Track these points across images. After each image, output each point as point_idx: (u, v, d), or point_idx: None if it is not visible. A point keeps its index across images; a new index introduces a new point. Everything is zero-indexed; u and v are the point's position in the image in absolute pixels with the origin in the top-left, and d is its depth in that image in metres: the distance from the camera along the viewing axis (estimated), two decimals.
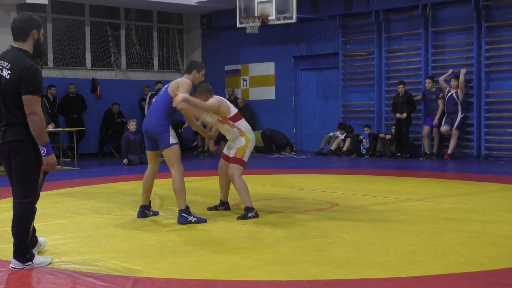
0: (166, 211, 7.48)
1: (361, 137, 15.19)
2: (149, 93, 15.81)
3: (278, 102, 17.29)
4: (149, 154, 7.07)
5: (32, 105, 4.60)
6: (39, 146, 4.67)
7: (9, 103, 4.67)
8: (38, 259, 4.90)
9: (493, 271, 4.62)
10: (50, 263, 4.95)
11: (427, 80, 14.08)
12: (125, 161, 13.68)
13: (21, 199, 4.72)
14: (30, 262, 4.81)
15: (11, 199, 4.90)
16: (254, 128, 16.90)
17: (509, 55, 13.50)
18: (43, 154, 4.69)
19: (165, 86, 7.01)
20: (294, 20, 14.60)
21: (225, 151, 7.38)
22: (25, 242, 4.77)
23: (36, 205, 4.85)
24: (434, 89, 14.04)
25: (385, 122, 15.22)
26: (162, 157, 6.91)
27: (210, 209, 7.49)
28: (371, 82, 15.49)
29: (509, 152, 13.64)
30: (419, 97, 14.34)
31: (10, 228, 4.84)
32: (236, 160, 7.01)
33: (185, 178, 6.84)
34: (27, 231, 4.77)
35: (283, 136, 16.71)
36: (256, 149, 16.48)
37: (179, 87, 6.83)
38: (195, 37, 18.78)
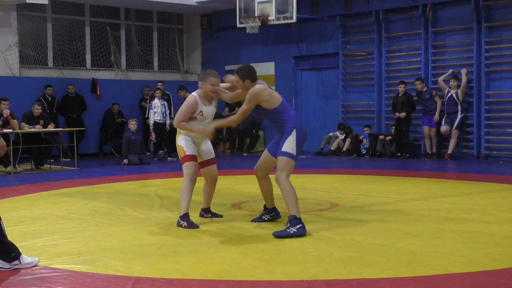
0: (166, 211, 7.48)
1: (361, 137, 15.19)
2: (150, 93, 15.72)
3: None
4: None
5: None
6: None
7: None
8: (25, 259, 4.83)
9: (493, 271, 4.61)
10: (37, 264, 4.87)
11: (417, 82, 14.03)
12: (125, 161, 13.65)
13: None
14: (17, 261, 4.76)
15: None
16: (255, 128, 16.89)
17: (509, 55, 13.50)
18: None
19: None
20: (294, 20, 14.60)
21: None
22: (3, 242, 4.73)
23: None
24: (425, 89, 14.03)
25: (385, 122, 15.22)
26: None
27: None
28: (371, 82, 15.49)
29: (509, 152, 13.63)
30: (416, 98, 14.32)
31: (7, 227, 4.82)
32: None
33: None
34: (0, 231, 4.72)
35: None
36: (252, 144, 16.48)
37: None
38: (195, 37, 18.79)
